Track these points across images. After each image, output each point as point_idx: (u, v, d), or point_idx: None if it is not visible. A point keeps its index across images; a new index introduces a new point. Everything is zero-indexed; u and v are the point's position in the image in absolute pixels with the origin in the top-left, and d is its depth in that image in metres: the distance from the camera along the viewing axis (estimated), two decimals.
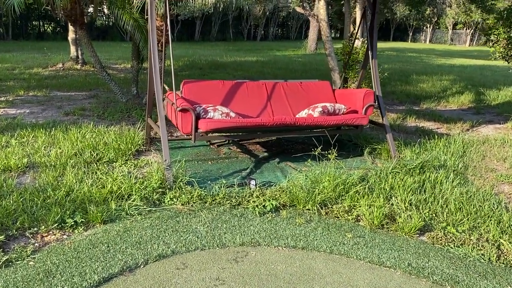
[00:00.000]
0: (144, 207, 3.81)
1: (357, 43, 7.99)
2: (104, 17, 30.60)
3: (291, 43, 34.23)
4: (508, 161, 5.47)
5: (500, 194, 4.47)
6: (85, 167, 4.64)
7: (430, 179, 4.52)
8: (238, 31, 40.75)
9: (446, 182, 4.46)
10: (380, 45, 32.84)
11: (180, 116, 4.52)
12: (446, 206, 3.99)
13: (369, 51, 5.53)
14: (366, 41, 5.41)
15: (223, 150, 5.65)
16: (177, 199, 3.99)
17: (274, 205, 3.91)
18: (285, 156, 5.47)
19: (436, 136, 6.29)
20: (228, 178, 4.65)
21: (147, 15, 6.92)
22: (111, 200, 3.87)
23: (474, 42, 51.42)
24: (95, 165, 4.69)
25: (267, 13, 36.46)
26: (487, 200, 4.15)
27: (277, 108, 5.45)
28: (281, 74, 13.38)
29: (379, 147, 5.61)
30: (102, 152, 5.09)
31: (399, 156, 5.25)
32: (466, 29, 50.71)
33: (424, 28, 51.94)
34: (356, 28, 8.05)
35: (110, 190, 3.99)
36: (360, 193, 4.14)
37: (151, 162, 5.00)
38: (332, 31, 52.38)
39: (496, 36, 6.69)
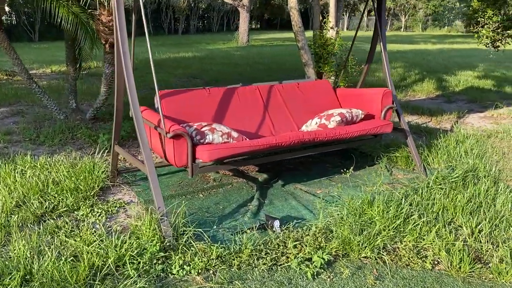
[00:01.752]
0: None
1: (331, 33, 7.13)
2: (7, 15, 27.01)
3: (216, 36, 32.98)
4: None
5: None
6: (38, 226, 3.26)
7: (478, 193, 3.77)
8: (157, 24, 38.56)
9: (500, 196, 3.73)
10: (280, 35, 32.85)
11: (172, 145, 3.30)
12: None
13: (378, 42, 4.65)
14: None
15: (210, 175, 4.48)
16: (190, 266, 2.81)
17: (326, 259, 2.88)
18: (287, 175, 4.44)
19: (438, 134, 5.65)
20: (236, 217, 3.54)
21: (89, 8, 5.48)
22: (97, 283, 2.59)
23: (388, 27, 53.83)
24: (52, 221, 3.33)
25: (191, 4, 34.80)
26: None
27: (277, 119, 4.39)
28: (228, 71, 12.24)
29: (396, 154, 4.79)
30: (55, 198, 3.70)
31: (423, 165, 4.46)
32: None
33: (341, 15, 53.34)
34: (332, 14, 7.19)
35: (90, 265, 2.71)
36: (417, 223, 3.25)
37: (127, 205, 3.72)
38: (253, 21, 51.93)
39: (485, 19, 6.18)
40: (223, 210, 3.71)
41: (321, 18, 7.29)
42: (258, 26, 53.40)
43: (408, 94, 9.04)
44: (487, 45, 6.59)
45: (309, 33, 7.79)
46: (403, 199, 3.56)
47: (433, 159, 4.57)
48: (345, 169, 4.53)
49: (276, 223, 3.30)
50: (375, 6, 4.60)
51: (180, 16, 37.84)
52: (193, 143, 3.44)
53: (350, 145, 4.17)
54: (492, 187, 3.86)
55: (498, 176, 4.31)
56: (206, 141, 3.46)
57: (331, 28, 7.17)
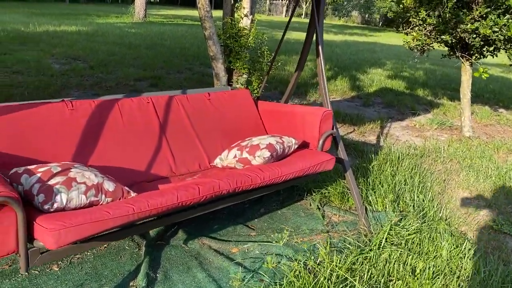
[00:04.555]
0: None
1: (245, 22, 5.91)
2: None
3: (110, 8, 29.85)
4: (473, 189, 4.29)
5: None
6: None
7: (439, 252, 2.91)
8: None
9: (465, 256, 2.90)
10: (181, 12, 31.26)
11: None
12: None
13: (314, 38, 3.55)
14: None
15: None
16: None
17: None
18: (189, 222, 3.19)
19: (368, 152, 4.82)
20: None
21: None
22: None
23: (290, 13, 54.23)
24: None
25: None
26: None
27: (180, 148, 3.08)
28: (122, 53, 10.40)
29: (326, 190, 3.78)
30: None
31: (365, 207, 3.52)
32: (282, 0, 52.94)
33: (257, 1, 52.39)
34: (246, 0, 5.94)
35: None
36: None
37: None
38: None
39: (416, 20, 5.43)
40: None
41: (232, 2, 6.03)
42: (158, 0, 50.14)
43: None
44: (413, 49, 5.90)
45: (219, 13, 6.50)
46: (346, 263, 2.56)
47: (375, 199, 3.64)
48: (265, 208, 3.43)
49: None
50: None
51: None
52: (32, 208, 2.01)
53: (278, 187, 3.03)
54: (453, 245, 3.02)
55: (450, 221, 3.52)
56: (56, 205, 2.04)
57: (245, 16, 5.94)
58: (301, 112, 3.38)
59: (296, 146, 3.14)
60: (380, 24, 50.10)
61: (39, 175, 2.18)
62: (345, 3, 45.72)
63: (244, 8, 5.93)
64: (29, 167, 2.25)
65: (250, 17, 5.96)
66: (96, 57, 9.54)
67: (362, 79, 9.76)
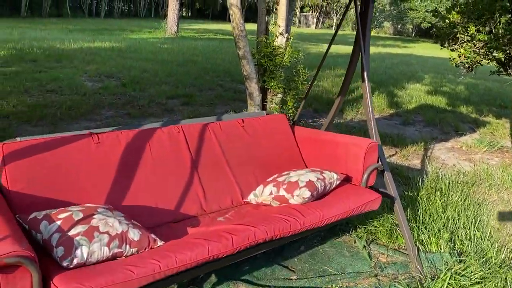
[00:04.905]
0: None
1: (280, 41, 5.67)
2: None
3: (143, 22, 30.42)
4: None
5: None
6: None
7: None
8: (77, 5, 34.96)
9: None
10: (212, 26, 31.35)
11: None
12: None
13: (360, 58, 3.27)
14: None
15: None
16: None
17: None
18: (221, 268, 2.92)
19: (414, 180, 4.45)
20: None
21: None
22: None
23: (320, 25, 53.97)
24: None
25: None
26: None
27: (211, 180, 2.83)
28: (154, 70, 10.38)
29: (374, 223, 3.45)
30: None
31: (418, 247, 3.16)
32: (312, 12, 52.81)
33: (274, 10, 52.55)
34: (282, 16, 5.70)
35: None
36: None
37: None
38: (184, 8, 49.20)
39: (465, 36, 5.05)
40: None
41: (267, 19, 5.80)
42: (189, 14, 50.96)
43: (360, 112, 7.87)
44: (461, 66, 5.50)
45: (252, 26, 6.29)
46: None
47: (428, 237, 3.27)
48: (305, 246, 3.14)
49: None
50: (359, 11, 3.19)
51: None
52: (50, 260, 1.80)
53: (319, 229, 2.72)
54: None
55: None
56: (76, 261, 1.82)
57: (280, 34, 5.69)
58: (344, 142, 3.08)
59: (338, 182, 2.84)
60: (413, 35, 49.09)
61: (59, 222, 1.97)
62: (377, 14, 45.06)
63: (279, 26, 5.68)
64: (49, 212, 2.05)
65: (286, 35, 5.71)
66: (129, 74, 9.52)
67: (400, 95, 9.33)
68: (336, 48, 20.19)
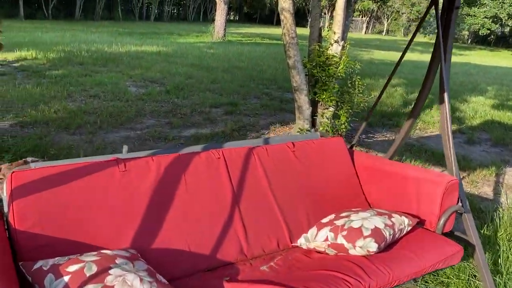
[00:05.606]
0: None
1: (335, 49, 5.17)
2: None
3: (192, 26, 30.64)
4: None
5: None
6: None
7: None
8: (128, 8, 35.82)
9: None
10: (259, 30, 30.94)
11: None
12: None
13: (440, 68, 2.73)
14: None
15: None
16: None
17: None
18: None
19: (487, 215, 3.81)
20: None
21: None
22: None
23: (370, 30, 52.56)
24: None
25: None
26: None
27: (254, 219, 2.38)
28: (199, 76, 10.13)
29: (445, 276, 2.88)
30: None
31: None
32: (362, 17, 51.48)
33: (323, 14, 51.70)
34: (339, 22, 5.20)
35: None
36: None
37: None
38: (232, 12, 49.37)
39: None
40: None
41: (320, 25, 5.31)
42: (237, 18, 51.14)
43: (418, 127, 7.20)
44: None
45: (300, 31, 5.83)
46: None
47: None
48: None
49: None
50: (440, 18, 2.65)
51: (153, 1, 35.21)
52: None
53: None
54: None
55: None
56: None
57: (336, 41, 5.19)
58: (415, 177, 2.54)
59: (409, 229, 2.31)
60: (469, 41, 46.76)
61: (67, 279, 1.59)
62: (431, 19, 43.19)
63: (335, 33, 5.19)
64: (58, 261, 1.68)
65: (341, 43, 5.20)
66: (173, 80, 9.30)
67: (463, 109, 8.54)
68: (388, 55, 19.31)
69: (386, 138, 6.53)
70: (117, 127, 5.94)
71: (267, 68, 12.06)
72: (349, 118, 5.52)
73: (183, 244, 2.12)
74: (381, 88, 10.16)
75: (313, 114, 5.49)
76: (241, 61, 13.11)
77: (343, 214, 2.32)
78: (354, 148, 3.08)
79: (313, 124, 5.61)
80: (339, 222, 2.24)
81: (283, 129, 6.19)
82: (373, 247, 2.04)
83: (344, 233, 2.16)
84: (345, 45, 5.31)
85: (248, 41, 21.27)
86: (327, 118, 5.42)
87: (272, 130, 6.23)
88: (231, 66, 11.83)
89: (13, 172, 1.93)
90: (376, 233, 2.10)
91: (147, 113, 6.80)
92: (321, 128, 5.48)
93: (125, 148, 2.39)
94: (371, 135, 6.60)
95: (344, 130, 5.53)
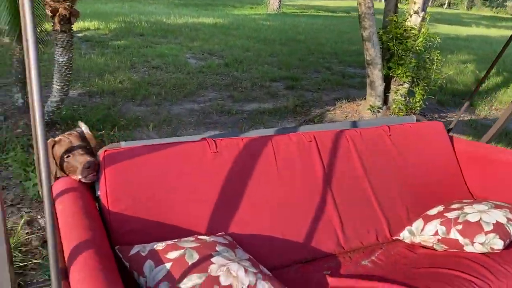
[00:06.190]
0: None
1: (414, 20, 4.77)
2: None
3: None
4: None
5: None
6: None
7: None
8: None
9: None
10: (315, 2, 29.76)
11: None
12: None
13: None
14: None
15: None
16: None
17: None
18: None
19: None
20: None
21: None
22: None
23: (430, 3, 49.72)
24: None
25: None
26: None
27: (351, 213, 2.18)
28: (257, 49, 9.90)
29: None
30: None
31: None
32: None
33: None
34: None
35: None
36: None
37: None
38: None
39: None
40: None
41: None
42: None
43: (493, 107, 6.67)
44: None
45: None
46: None
47: None
48: None
49: None
50: None
51: None
52: None
53: None
54: None
55: None
56: None
57: (415, 12, 4.79)
58: None
59: None
60: None
61: (168, 266, 1.48)
62: None
63: (415, 3, 4.78)
64: (156, 246, 1.57)
65: (422, 14, 4.79)
66: (231, 53, 9.13)
67: None
68: (454, 29, 18.13)
69: (460, 118, 6.08)
70: (180, 99, 5.88)
71: (326, 42, 11.62)
72: (425, 96, 5.14)
73: (278, 232, 1.97)
74: (449, 64, 9.52)
75: (386, 91, 5.16)
76: (298, 33, 12.71)
77: (454, 206, 2.08)
78: (451, 133, 2.79)
79: (385, 101, 5.28)
80: (451, 215, 2.00)
81: (350, 105, 5.89)
82: (498, 244, 1.80)
83: (459, 227, 1.92)
84: (426, 16, 4.89)
85: (304, 13, 20.65)
86: (401, 95, 5.08)
87: (339, 107, 5.95)
88: (289, 39, 11.49)
89: (106, 150, 1.83)
90: (499, 228, 1.86)
91: (208, 86, 6.70)
92: (393, 106, 5.14)
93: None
94: (443, 114, 6.18)
95: (418, 108, 5.17)
